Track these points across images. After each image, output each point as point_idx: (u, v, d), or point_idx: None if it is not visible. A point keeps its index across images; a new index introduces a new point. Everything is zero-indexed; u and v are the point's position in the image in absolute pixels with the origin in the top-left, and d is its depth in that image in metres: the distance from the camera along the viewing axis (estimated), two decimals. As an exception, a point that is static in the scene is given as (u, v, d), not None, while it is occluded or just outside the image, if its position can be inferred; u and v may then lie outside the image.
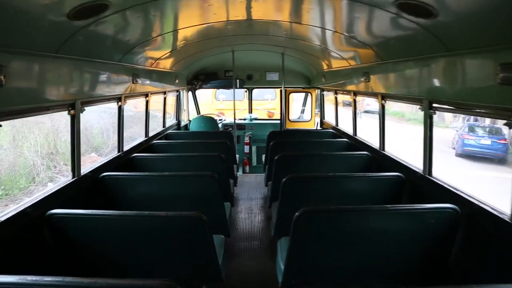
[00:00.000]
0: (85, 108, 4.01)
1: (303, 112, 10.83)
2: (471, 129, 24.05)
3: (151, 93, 6.49)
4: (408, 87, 4.12)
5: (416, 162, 4.22)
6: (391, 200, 3.98)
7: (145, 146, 6.26)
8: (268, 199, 5.71)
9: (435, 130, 4.10)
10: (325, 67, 7.94)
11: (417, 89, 3.93)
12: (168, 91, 7.86)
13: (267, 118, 13.21)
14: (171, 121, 9.14)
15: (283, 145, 6.23)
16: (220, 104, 14.65)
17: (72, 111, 3.83)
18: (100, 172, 4.21)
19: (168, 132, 7.49)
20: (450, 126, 31.13)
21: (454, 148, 25.50)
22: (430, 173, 3.88)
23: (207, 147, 6.29)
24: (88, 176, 4.14)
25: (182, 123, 9.58)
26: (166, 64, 7.09)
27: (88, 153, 15.86)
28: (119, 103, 5.16)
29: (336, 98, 7.72)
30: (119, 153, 5.29)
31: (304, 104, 10.77)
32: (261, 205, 7.04)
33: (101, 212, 3.09)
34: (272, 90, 14.33)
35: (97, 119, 18.51)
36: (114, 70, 4.55)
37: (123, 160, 5.20)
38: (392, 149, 5.17)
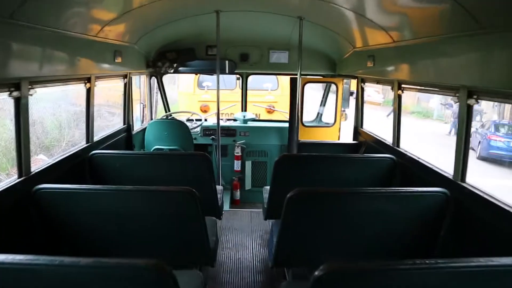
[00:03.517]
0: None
1: (322, 107, 7.37)
2: (497, 128, 20.67)
3: (33, 83, 3.14)
4: None
5: None
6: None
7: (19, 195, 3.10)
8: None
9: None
10: (372, 41, 4.59)
11: None
12: (98, 78, 4.42)
13: (267, 118, 9.76)
14: (116, 124, 5.74)
15: (313, 201, 3.08)
16: (205, 94, 11.06)
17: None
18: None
19: (93, 152, 4.07)
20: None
21: (472, 149, 22.31)
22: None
23: (158, 197, 3.10)
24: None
25: (137, 128, 6.11)
26: (84, 25, 3.70)
27: (33, 155, 12.28)
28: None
29: (399, 96, 4.32)
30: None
31: (324, 100, 7.34)
32: None
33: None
34: (273, 77, 10.82)
35: (54, 107, 14.86)
36: None
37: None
38: None
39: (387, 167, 4.13)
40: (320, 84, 7.52)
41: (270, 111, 10.32)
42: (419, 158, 3.93)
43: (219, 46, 5.55)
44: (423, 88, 3.88)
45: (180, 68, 6.64)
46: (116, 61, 4.70)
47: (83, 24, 3.64)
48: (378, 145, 4.96)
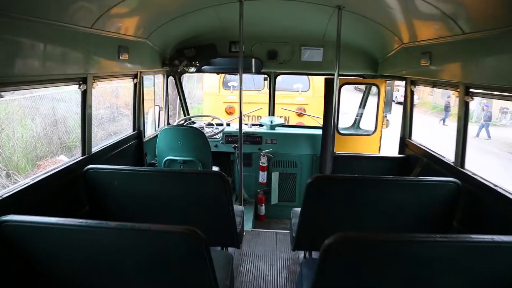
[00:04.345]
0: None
1: (361, 112, 6.46)
2: None
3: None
4: None
5: None
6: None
7: None
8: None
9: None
10: (428, 33, 3.71)
11: None
12: (98, 78, 3.75)
13: (297, 121, 8.93)
14: (126, 130, 5.08)
15: (356, 250, 2.29)
16: (230, 95, 10.33)
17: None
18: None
19: (89, 167, 3.39)
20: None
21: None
22: None
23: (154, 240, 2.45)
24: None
25: (149, 134, 5.44)
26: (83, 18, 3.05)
27: (53, 156, 11.95)
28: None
29: (465, 104, 3.40)
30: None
31: (363, 104, 6.43)
32: None
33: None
34: (304, 76, 9.95)
35: (78, 106, 14.53)
36: None
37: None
38: None
39: (447, 194, 3.21)
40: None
41: (300, 115, 9.48)
42: (495, 185, 3.00)
43: (242, 40, 4.78)
44: (504, 94, 2.94)
45: (201, 67, 5.92)
46: (121, 58, 4.02)
47: (70, 12, 2.96)
48: (433, 162, 4.04)
